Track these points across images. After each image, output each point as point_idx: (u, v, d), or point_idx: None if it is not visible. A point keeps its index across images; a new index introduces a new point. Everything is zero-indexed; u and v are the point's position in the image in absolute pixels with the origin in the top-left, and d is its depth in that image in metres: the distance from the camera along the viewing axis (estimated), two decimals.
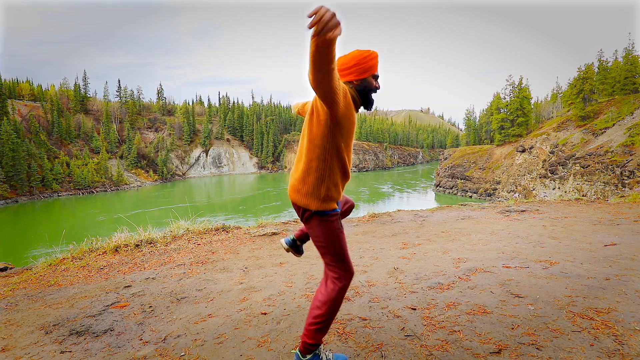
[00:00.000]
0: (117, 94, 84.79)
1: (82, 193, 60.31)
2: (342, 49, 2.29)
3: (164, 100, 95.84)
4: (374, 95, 1.75)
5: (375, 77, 1.76)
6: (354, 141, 1.79)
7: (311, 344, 1.71)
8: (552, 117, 60.28)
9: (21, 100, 70.87)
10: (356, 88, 1.72)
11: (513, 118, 54.44)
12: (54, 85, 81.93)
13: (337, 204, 1.76)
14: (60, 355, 1.99)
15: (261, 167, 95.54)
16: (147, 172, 75.51)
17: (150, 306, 2.57)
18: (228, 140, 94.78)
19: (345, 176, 1.74)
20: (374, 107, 1.78)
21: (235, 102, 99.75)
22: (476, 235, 4.29)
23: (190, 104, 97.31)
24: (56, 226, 37.40)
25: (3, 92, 60.62)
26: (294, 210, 1.82)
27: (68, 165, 61.99)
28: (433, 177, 70.62)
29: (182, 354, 1.92)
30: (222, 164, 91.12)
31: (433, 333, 1.98)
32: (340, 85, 1.54)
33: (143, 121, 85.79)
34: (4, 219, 42.45)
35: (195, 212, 6.28)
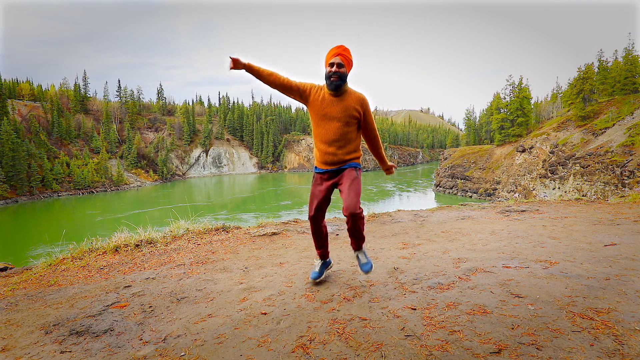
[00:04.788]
0: (117, 94, 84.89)
1: (82, 193, 60.33)
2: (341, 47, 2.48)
3: (164, 100, 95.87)
4: (331, 78, 2.44)
5: (331, 64, 2.43)
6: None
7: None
8: (552, 117, 60.27)
9: (21, 100, 70.88)
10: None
11: (513, 118, 54.44)
12: (54, 85, 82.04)
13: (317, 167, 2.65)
14: (60, 355, 1.99)
15: (261, 167, 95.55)
16: (147, 172, 75.54)
17: (150, 306, 2.57)
18: (228, 140, 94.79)
19: (320, 142, 2.56)
20: (333, 86, 2.44)
21: (235, 102, 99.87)
22: (476, 235, 4.29)
23: (190, 104, 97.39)
24: (56, 226, 37.41)
25: (3, 92, 60.64)
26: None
27: (68, 165, 62.01)
28: (433, 177, 70.59)
29: (182, 354, 1.92)
30: (222, 164, 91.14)
31: (433, 333, 1.98)
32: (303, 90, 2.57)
33: (143, 121, 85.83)
34: (4, 219, 42.45)
35: (195, 212, 6.28)
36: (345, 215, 2.44)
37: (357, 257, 2.64)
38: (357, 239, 2.58)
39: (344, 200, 2.44)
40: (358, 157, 2.61)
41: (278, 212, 40.58)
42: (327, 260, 2.87)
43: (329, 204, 2.70)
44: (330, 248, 3.88)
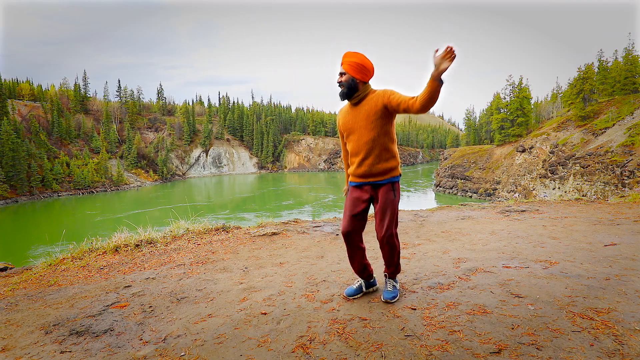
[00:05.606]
0: (117, 94, 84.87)
1: (82, 193, 60.30)
2: (344, 49, 2.45)
3: (164, 100, 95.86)
4: (338, 87, 2.38)
5: (340, 73, 2.37)
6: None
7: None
8: (552, 117, 60.25)
9: (21, 100, 70.84)
10: None
11: (513, 118, 54.40)
12: (54, 85, 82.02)
13: (351, 181, 2.51)
14: (60, 355, 1.99)
15: (261, 167, 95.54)
16: (147, 172, 75.52)
17: (150, 306, 2.57)
18: (228, 140, 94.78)
19: (351, 157, 2.46)
20: (341, 97, 2.38)
21: (235, 102, 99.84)
22: (476, 235, 4.29)
23: (190, 104, 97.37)
24: (56, 226, 37.39)
25: (3, 92, 60.59)
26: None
27: (68, 165, 61.98)
28: (433, 177, 70.60)
29: (182, 354, 1.92)
30: (222, 164, 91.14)
31: (433, 333, 1.98)
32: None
33: (143, 121, 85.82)
34: (4, 219, 42.43)
35: (195, 212, 6.28)
36: (378, 241, 2.37)
37: (386, 282, 2.51)
38: (392, 265, 2.46)
39: (377, 225, 2.34)
40: (394, 168, 2.38)
41: (278, 212, 40.56)
42: (371, 281, 2.56)
43: (365, 219, 2.46)
44: (330, 249, 3.87)
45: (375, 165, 2.35)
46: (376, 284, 2.60)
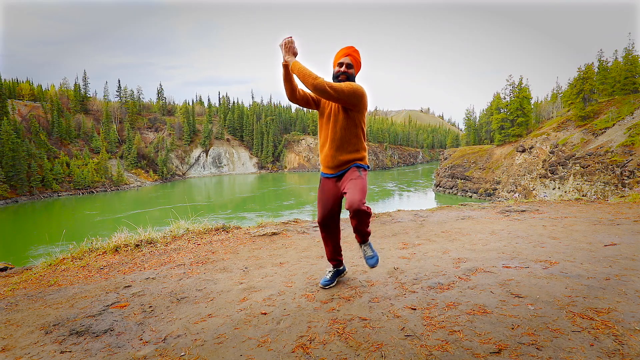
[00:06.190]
0: (117, 94, 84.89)
1: (82, 193, 60.31)
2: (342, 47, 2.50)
3: (164, 100, 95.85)
4: (339, 77, 2.44)
5: (340, 64, 2.44)
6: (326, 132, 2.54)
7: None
8: (552, 117, 60.25)
9: (21, 100, 70.84)
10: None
11: (513, 118, 54.41)
12: (54, 85, 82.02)
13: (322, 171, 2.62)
14: (60, 355, 1.99)
15: (261, 167, 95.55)
16: (147, 172, 75.53)
17: (150, 306, 2.57)
18: (228, 140, 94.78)
19: (320, 147, 2.56)
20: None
21: (235, 102, 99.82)
22: (476, 235, 4.29)
23: (190, 104, 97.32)
24: (56, 226, 37.40)
25: (3, 92, 60.59)
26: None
27: (68, 165, 61.99)
28: (433, 177, 70.60)
29: (182, 354, 1.92)
30: (222, 164, 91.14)
31: (433, 333, 1.98)
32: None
33: (143, 121, 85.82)
34: (4, 219, 42.43)
35: (195, 212, 6.28)
36: (348, 210, 2.34)
37: (363, 250, 2.53)
38: (361, 234, 2.48)
39: (347, 197, 2.34)
40: (361, 158, 2.49)
41: (278, 212, 40.56)
42: (341, 268, 2.80)
43: (339, 210, 2.59)
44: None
45: (338, 157, 2.45)
46: (345, 270, 2.85)
